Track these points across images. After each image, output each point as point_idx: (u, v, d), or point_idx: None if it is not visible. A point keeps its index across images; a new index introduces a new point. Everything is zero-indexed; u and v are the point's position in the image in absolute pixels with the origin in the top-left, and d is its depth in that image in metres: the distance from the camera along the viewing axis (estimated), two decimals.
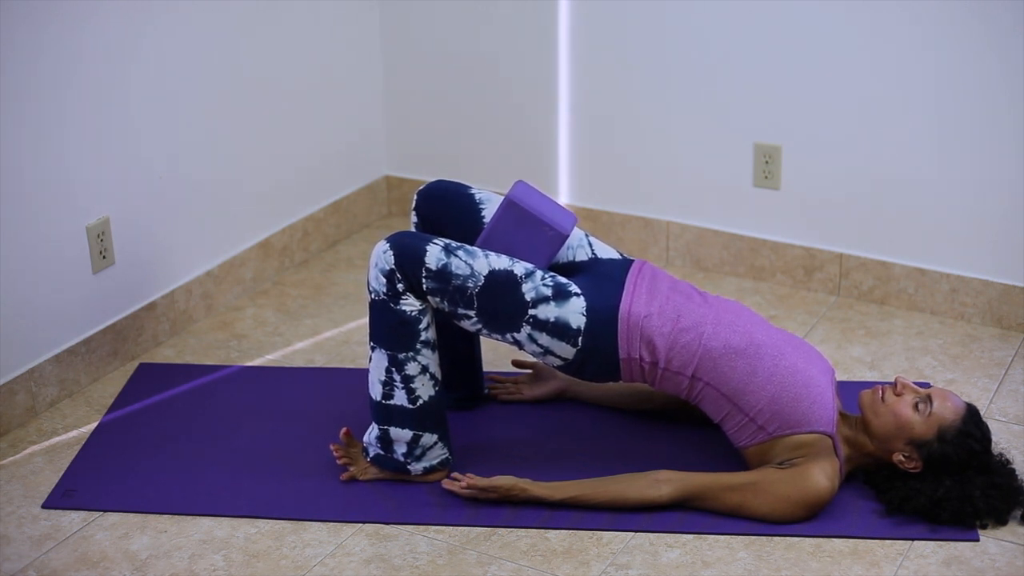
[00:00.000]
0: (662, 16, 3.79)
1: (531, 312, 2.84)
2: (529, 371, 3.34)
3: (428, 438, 2.93)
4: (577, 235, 3.08)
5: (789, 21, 3.63)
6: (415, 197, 3.12)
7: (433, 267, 2.83)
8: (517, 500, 2.89)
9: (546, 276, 2.87)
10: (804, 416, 2.82)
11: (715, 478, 2.85)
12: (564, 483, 2.90)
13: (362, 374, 3.33)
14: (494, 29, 4.05)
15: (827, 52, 3.61)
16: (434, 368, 2.90)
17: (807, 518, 2.83)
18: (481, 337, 3.15)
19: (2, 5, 3.06)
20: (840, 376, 3.40)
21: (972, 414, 2.83)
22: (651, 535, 2.82)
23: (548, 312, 2.84)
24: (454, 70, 4.15)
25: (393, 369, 2.87)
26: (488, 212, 3.06)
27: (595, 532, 2.84)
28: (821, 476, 2.80)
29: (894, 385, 2.85)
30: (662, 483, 2.85)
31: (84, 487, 3.01)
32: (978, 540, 2.78)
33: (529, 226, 2.91)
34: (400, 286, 2.83)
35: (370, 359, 2.91)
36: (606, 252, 3.06)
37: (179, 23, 3.51)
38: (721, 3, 3.70)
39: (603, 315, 2.85)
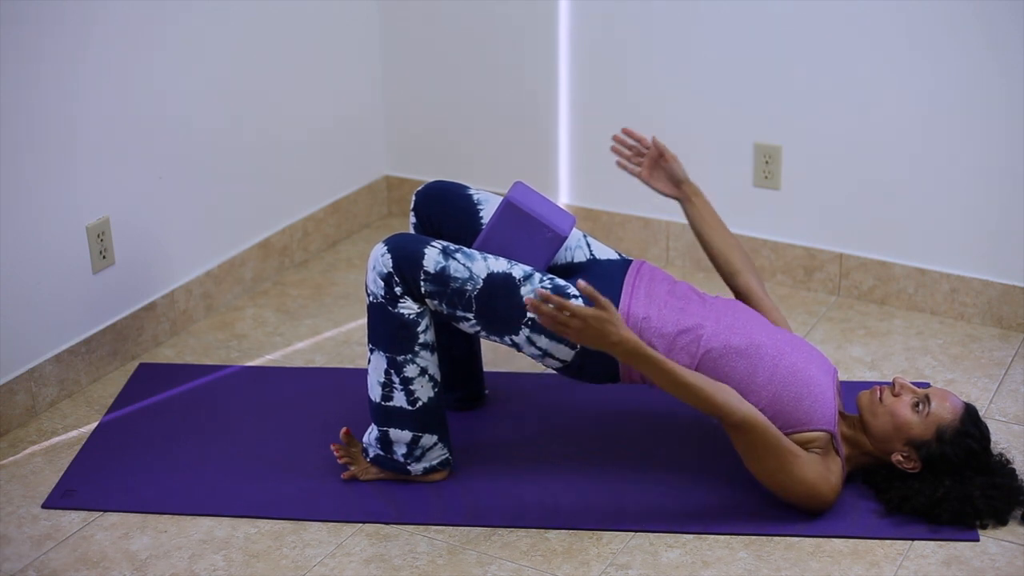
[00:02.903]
0: (662, 16, 3.78)
1: (530, 315, 2.83)
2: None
3: (428, 439, 2.93)
4: (575, 236, 3.07)
5: (789, 21, 3.63)
6: (414, 197, 3.12)
7: (431, 270, 2.82)
8: (595, 341, 2.62)
9: (544, 278, 2.86)
10: (806, 415, 2.81)
11: (775, 430, 2.76)
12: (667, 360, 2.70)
13: (362, 374, 3.33)
14: (494, 29, 4.05)
15: (827, 52, 3.61)
16: (433, 370, 2.90)
17: (815, 508, 2.80)
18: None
19: (3, 5, 3.06)
20: (840, 376, 3.39)
21: (970, 414, 2.83)
22: (651, 535, 2.82)
23: None
24: (454, 71, 4.15)
25: (392, 371, 2.87)
26: (486, 213, 3.06)
27: (595, 532, 2.84)
28: (829, 471, 2.80)
29: (892, 385, 2.85)
30: (744, 402, 2.73)
31: (84, 487, 3.01)
32: (978, 540, 2.78)
33: (527, 228, 2.90)
34: (398, 289, 2.83)
35: (369, 360, 2.91)
36: (604, 253, 3.05)
37: (179, 24, 3.51)
38: (721, 3, 3.70)
39: None
